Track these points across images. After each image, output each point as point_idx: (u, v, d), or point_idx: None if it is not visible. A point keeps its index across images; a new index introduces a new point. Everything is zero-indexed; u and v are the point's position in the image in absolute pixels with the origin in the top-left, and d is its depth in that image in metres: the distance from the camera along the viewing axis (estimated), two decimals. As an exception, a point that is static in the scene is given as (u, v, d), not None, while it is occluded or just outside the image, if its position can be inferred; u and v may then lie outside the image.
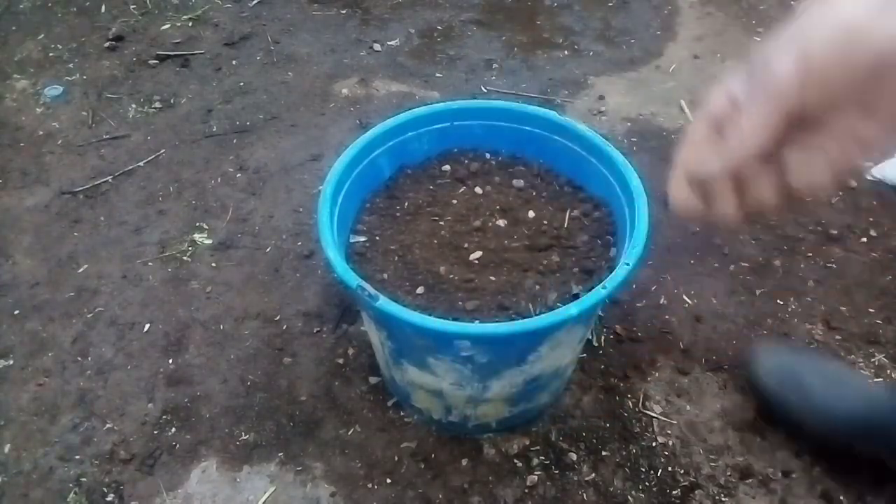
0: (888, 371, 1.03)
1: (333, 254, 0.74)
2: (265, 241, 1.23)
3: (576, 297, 0.76)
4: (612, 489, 0.90)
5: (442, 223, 0.87)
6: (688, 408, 0.99)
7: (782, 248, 1.20)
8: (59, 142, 1.45)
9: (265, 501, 0.90)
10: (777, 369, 0.94)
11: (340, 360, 1.05)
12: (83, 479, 0.92)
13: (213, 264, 1.19)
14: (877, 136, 0.35)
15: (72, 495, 0.91)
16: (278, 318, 1.11)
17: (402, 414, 0.98)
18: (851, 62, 0.32)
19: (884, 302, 1.11)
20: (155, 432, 0.97)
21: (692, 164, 0.39)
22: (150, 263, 1.20)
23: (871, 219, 1.24)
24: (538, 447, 0.94)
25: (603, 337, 1.06)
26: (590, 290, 0.72)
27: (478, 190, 0.92)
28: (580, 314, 0.69)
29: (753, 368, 0.96)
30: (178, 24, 1.77)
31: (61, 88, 1.57)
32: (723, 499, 0.90)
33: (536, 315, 0.72)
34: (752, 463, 0.93)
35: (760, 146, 0.35)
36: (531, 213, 0.88)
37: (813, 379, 0.91)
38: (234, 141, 1.44)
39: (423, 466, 0.92)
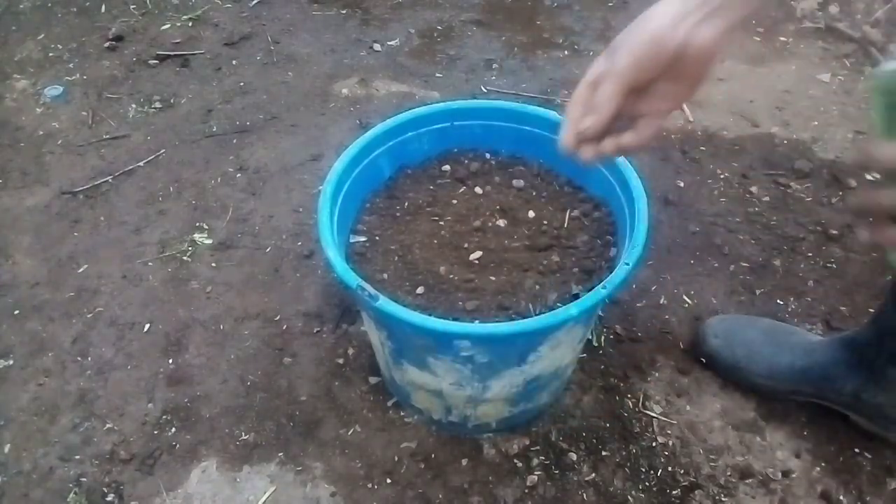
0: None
1: (333, 254, 0.74)
2: (265, 241, 1.23)
3: (576, 297, 0.76)
4: (612, 489, 0.90)
5: (442, 223, 0.87)
6: (688, 408, 0.99)
7: (782, 248, 1.20)
8: (59, 142, 1.45)
9: (265, 501, 0.90)
10: (723, 331, 1.01)
11: (340, 360, 1.05)
12: (83, 479, 0.92)
13: (213, 264, 1.19)
14: (684, 92, 0.59)
15: (72, 495, 0.91)
16: (278, 318, 1.11)
17: (402, 414, 0.98)
18: (660, 54, 0.55)
19: (884, 302, 1.11)
20: (155, 432, 0.97)
21: (576, 122, 0.61)
22: (150, 263, 1.20)
23: (870, 219, 1.24)
24: (538, 447, 0.94)
25: (603, 337, 1.06)
26: (590, 290, 0.72)
27: (478, 190, 0.92)
28: (580, 314, 0.69)
29: (702, 333, 1.02)
30: (178, 24, 1.77)
31: (61, 88, 1.57)
32: (723, 499, 0.90)
33: (536, 315, 0.72)
34: (752, 463, 0.93)
35: (615, 108, 0.58)
36: (531, 213, 0.88)
37: (756, 335, 0.99)
38: (234, 141, 1.44)
39: (423, 466, 0.92)
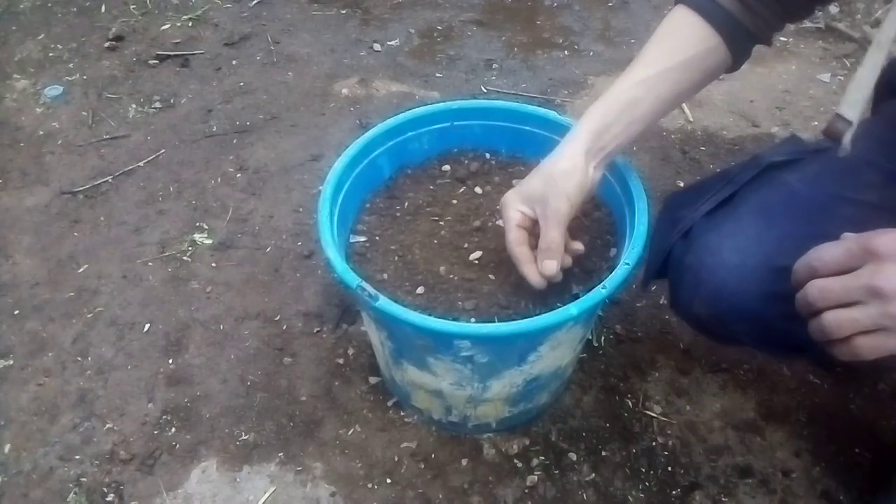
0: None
1: (333, 254, 0.74)
2: (265, 241, 1.23)
3: (576, 297, 0.76)
4: (612, 489, 0.90)
5: (442, 223, 0.87)
6: (688, 408, 0.99)
7: (782, 248, 1.20)
8: (59, 142, 1.45)
9: (265, 501, 0.90)
10: None
11: (340, 360, 1.05)
12: (83, 479, 0.92)
13: (213, 264, 1.19)
14: (579, 210, 0.76)
15: (72, 495, 0.91)
16: (278, 318, 1.11)
17: (402, 414, 0.98)
18: (582, 195, 0.72)
19: None
20: (155, 432, 0.97)
21: (534, 267, 0.74)
22: (150, 263, 1.20)
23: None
24: (538, 447, 0.94)
25: (603, 337, 1.06)
26: (590, 290, 0.72)
27: (478, 190, 0.92)
28: (580, 314, 0.69)
29: None
30: (178, 24, 1.77)
31: (61, 88, 1.57)
32: (723, 499, 0.90)
33: (536, 315, 0.72)
34: (752, 463, 0.93)
35: (563, 245, 0.73)
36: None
37: None
38: (234, 141, 1.44)
39: (423, 466, 0.92)
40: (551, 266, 0.72)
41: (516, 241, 0.74)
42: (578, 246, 0.79)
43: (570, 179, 0.70)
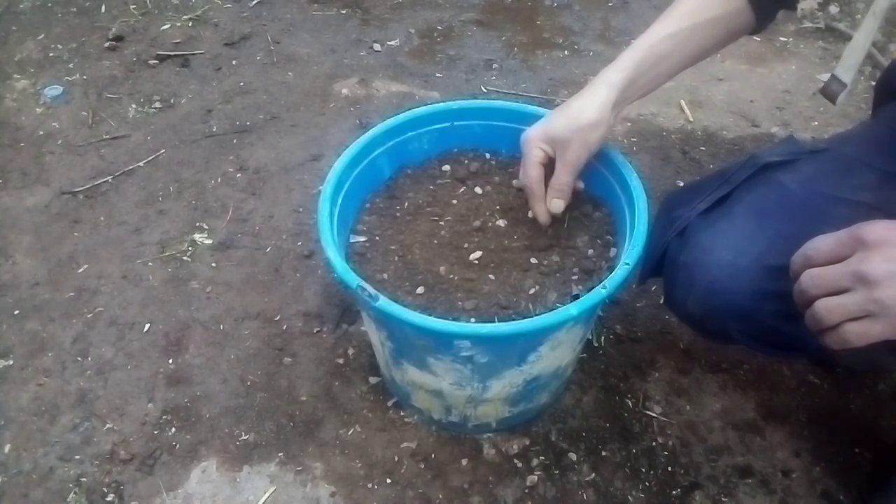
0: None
1: (333, 254, 0.74)
2: (265, 241, 1.23)
3: (576, 297, 0.76)
4: (612, 489, 0.90)
5: (442, 223, 0.87)
6: (688, 408, 0.99)
7: (782, 248, 1.20)
8: (59, 142, 1.45)
9: (265, 501, 0.90)
10: None
11: (340, 360, 1.05)
12: (83, 479, 0.92)
13: (213, 264, 1.19)
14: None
15: (72, 495, 0.91)
16: (278, 318, 1.11)
17: (402, 414, 0.98)
18: (598, 145, 0.77)
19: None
20: (155, 432, 0.97)
21: (543, 203, 0.81)
22: (150, 263, 1.20)
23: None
24: (538, 447, 0.94)
25: (603, 337, 1.06)
26: (590, 290, 0.72)
27: (478, 190, 0.92)
28: (580, 314, 0.69)
29: None
30: (178, 24, 1.77)
31: (61, 88, 1.57)
32: (723, 499, 0.90)
33: (536, 315, 0.72)
34: (752, 463, 0.93)
35: (570, 190, 0.79)
36: (531, 213, 0.88)
37: None
38: (234, 141, 1.44)
39: (423, 466, 0.92)
40: (559, 205, 0.79)
41: (536, 179, 0.79)
42: (580, 185, 0.85)
43: (595, 132, 0.74)
